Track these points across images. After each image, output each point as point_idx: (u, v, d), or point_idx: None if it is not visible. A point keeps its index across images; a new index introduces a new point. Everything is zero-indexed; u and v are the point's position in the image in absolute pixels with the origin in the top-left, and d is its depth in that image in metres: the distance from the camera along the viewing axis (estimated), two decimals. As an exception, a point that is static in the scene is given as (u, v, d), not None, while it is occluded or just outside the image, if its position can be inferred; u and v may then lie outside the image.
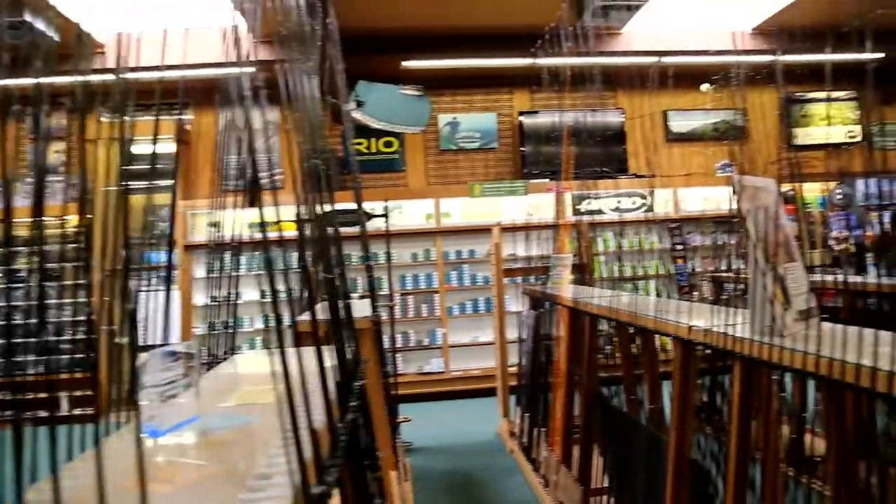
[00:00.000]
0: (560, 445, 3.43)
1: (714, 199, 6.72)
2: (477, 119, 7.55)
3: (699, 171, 7.11)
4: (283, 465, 0.79)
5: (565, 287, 3.39)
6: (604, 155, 6.95)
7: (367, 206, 5.71)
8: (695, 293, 6.58)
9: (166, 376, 1.18)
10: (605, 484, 2.97)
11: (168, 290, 1.49)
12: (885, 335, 1.29)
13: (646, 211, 6.93)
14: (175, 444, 1.06)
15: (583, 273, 4.67)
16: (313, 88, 1.72)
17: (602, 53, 6.23)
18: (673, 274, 6.76)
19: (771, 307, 1.59)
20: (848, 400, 1.50)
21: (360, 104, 6.56)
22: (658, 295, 6.53)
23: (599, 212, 6.54)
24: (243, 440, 1.05)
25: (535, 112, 7.34)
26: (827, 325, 1.66)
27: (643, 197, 6.94)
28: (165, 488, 0.80)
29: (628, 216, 6.58)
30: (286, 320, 0.90)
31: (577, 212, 6.56)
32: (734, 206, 1.73)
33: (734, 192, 1.69)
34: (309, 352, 1.04)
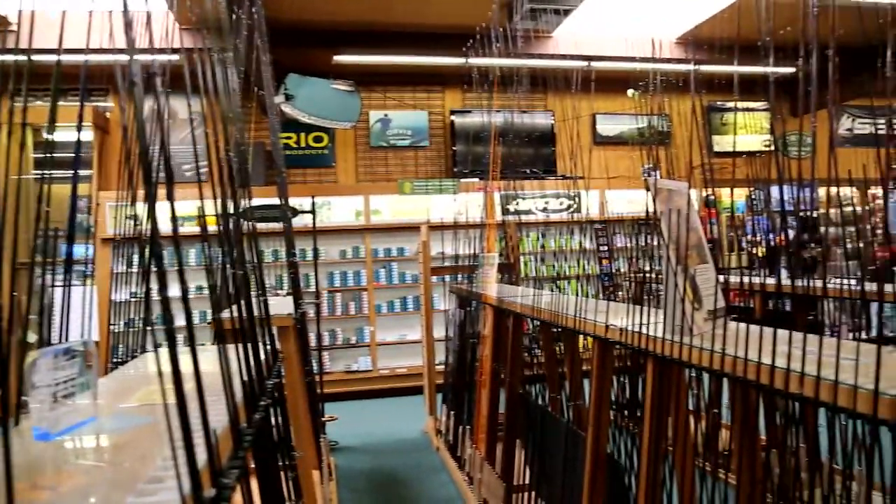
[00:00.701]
0: (484, 443, 3.45)
1: (638, 201, 6.91)
2: (408, 117, 7.53)
3: (625, 174, 7.30)
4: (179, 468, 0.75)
5: (491, 286, 3.41)
6: (533, 156, 7.06)
7: (296, 201, 5.61)
8: (619, 293, 6.75)
9: (59, 376, 1.11)
10: (529, 480, 3.00)
11: (68, 284, 1.41)
12: (783, 333, 1.35)
13: (573, 212, 7.06)
14: (65, 448, 1.00)
15: (510, 272, 4.72)
16: (231, 79, 1.66)
17: (532, 56, 6.33)
18: (598, 274, 6.92)
19: (682, 307, 1.64)
20: (751, 394, 1.56)
21: (289, 97, 6.43)
22: (585, 295, 6.67)
23: (528, 212, 6.63)
24: (139, 442, 1.00)
25: (468, 111, 7.38)
26: (734, 325, 1.73)
27: (571, 198, 7.07)
28: (45, 495, 0.75)
29: (556, 217, 6.70)
30: (203, 317, 0.86)
31: (506, 211, 6.64)
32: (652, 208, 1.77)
33: (649, 194, 1.73)
34: (216, 349, 1.00)
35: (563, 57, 6.48)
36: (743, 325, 1.61)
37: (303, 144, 7.24)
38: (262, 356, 1.41)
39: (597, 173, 7.51)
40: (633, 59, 6.21)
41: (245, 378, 1.13)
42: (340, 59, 6.54)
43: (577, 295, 2.53)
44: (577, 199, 7.12)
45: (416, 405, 5.70)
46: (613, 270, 7.06)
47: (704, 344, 1.48)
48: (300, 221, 5.48)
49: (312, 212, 4.87)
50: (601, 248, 7.09)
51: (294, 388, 2.95)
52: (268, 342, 1.62)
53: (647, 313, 1.93)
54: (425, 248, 5.01)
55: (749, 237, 6.65)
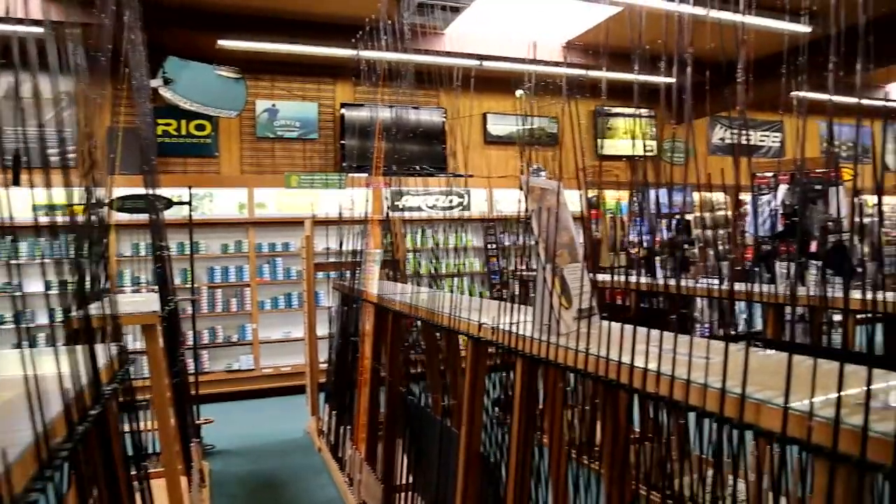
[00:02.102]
0: (365, 443, 3.38)
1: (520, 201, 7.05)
2: (297, 108, 7.31)
3: (514, 173, 7.43)
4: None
5: (373, 283, 3.34)
6: (423, 153, 7.05)
7: (175, 192, 5.30)
8: (505, 291, 6.86)
9: None
10: (409, 480, 2.96)
11: None
12: (646, 333, 1.36)
13: (462, 210, 7.11)
14: None
15: (395, 269, 4.67)
16: (82, 58, 1.51)
17: (423, 52, 6.30)
18: (486, 272, 7.00)
19: (551, 306, 1.64)
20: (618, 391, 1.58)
21: (168, 81, 6.07)
22: (472, 293, 6.73)
23: (417, 209, 6.60)
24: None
25: (359, 105, 7.26)
26: (605, 324, 1.75)
27: (461, 196, 7.12)
28: None
29: (445, 214, 6.71)
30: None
31: (395, 208, 6.58)
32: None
33: (521, 192, 1.73)
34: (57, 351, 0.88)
35: (455, 55, 6.49)
36: (614, 325, 1.64)
37: (184, 132, 6.87)
38: (104, 358, 1.28)
39: (486, 172, 7.60)
40: (522, 61, 6.33)
41: (74, 383, 1.01)
42: (225, 44, 6.24)
43: (462, 293, 2.51)
44: (466, 197, 7.19)
45: (299, 405, 5.54)
46: (501, 268, 7.18)
47: (570, 343, 1.48)
48: (178, 213, 5.19)
49: (189, 203, 4.61)
50: (490, 246, 7.19)
51: (159, 391, 2.76)
52: (115, 342, 1.48)
53: (522, 311, 1.93)
54: (308, 244, 4.86)
55: (631, 238, 6.94)
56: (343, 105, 7.27)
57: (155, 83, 5.94)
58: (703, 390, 1.08)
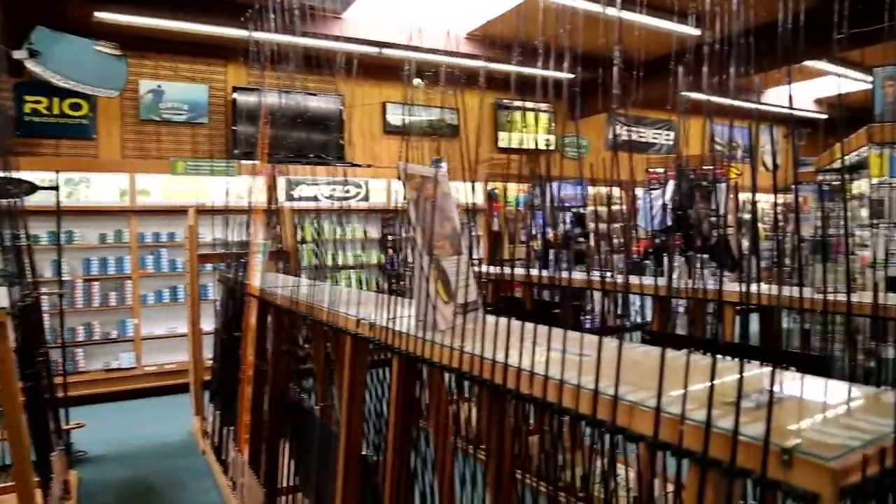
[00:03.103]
0: (248, 445, 3.19)
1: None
2: (186, 89, 6.88)
3: (414, 164, 7.31)
4: None
5: (256, 275, 3.15)
6: (319, 141, 6.83)
7: (43, 176, 4.86)
8: (402, 283, 6.77)
9: None
10: (294, 483, 2.81)
11: None
12: (538, 329, 1.29)
13: (360, 200, 6.94)
14: None
15: (287, 261, 4.47)
16: None
17: (321, 36, 6.08)
18: (384, 264, 6.87)
19: (429, 300, 1.54)
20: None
21: (34, 53, 5.54)
22: (367, 286, 6.58)
23: (314, 199, 6.38)
24: None
25: (253, 89, 6.91)
26: (490, 319, 1.67)
27: (358, 186, 6.95)
28: None
29: (343, 204, 6.52)
30: None
31: (290, 197, 6.33)
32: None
33: (400, 180, 1.62)
34: None
35: (355, 41, 6.30)
36: (500, 320, 1.56)
37: (56, 111, 6.31)
38: None
39: (386, 162, 7.47)
40: (423, 50, 6.22)
41: None
42: (103, 16, 5.77)
43: (361, 286, 2.40)
44: (364, 187, 7.03)
45: (184, 405, 5.23)
46: (400, 260, 7.07)
47: (446, 340, 1.39)
48: (48, 199, 4.74)
49: (56, 188, 4.21)
50: (387, 238, 7.06)
51: (9, 395, 2.48)
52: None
53: (408, 305, 1.83)
54: (192, 233, 4.57)
55: (529, 231, 7.00)
56: (235, 89, 6.91)
57: (19, 55, 5.42)
58: (577, 392, 1.01)
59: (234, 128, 6.83)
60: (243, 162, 6.44)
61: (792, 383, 0.99)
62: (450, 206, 1.82)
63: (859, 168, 4.52)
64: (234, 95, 6.87)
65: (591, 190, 8.44)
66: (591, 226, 6.90)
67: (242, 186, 4.32)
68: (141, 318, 6.16)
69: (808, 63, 7.99)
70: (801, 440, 0.72)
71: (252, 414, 3.10)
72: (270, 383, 2.89)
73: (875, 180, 4.13)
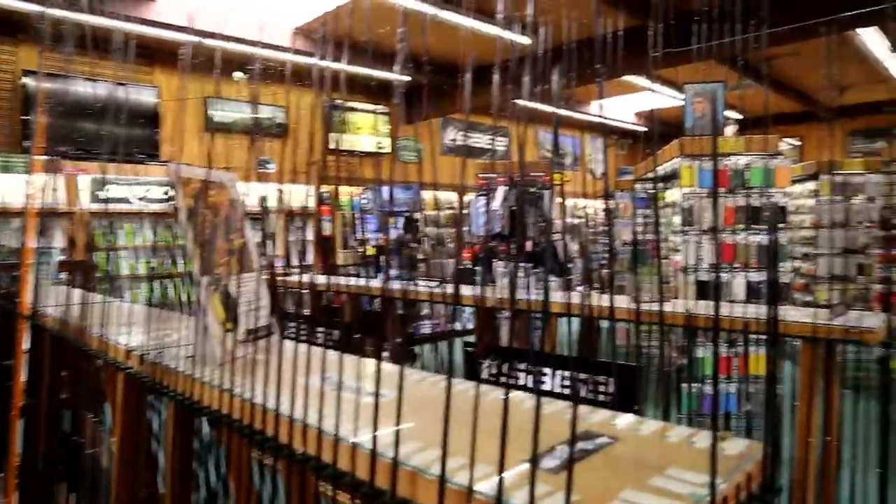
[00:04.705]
0: (17, 491, 2.71)
1: (255, 195, 6.54)
2: (-36, 71, 5.94)
3: (239, 164, 6.86)
4: None
5: (29, 291, 2.68)
6: (132, 136, 6.18)
7: None
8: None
9: None
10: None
11: None
12: (334, 359, 1.09)
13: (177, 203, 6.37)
14: None
15: (84, 272, 3.94)
16: None
17: (132, 19, 5.49)
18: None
19: (206, 328, 1.29)
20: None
21: None
22: (188, 299, 6.04)
23: (124, 200, 5.74)
24: None
25: (54, 75, 6.12)
26: (287, 345, 1.45)
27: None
28: None
29: (157, 207, 5.93)
30: None
31: (95, 199, 5.65)
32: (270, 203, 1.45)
33: (172, 186, 1.35)
34: None
35: (174, 28, 5.75)
36: (297, 347, 1.34)
37: None
38: None
39: (207, 161, 6.93)
40: (249, 42, 5.82)
41: None
42: None
43: (164, 300, 2.08)
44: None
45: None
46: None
47: (218, 378, 1.16)
48: None
49: None
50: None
51: None
52: None
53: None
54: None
55: (361, 236, 6.79)
56: (26, 73, 6.06)
57: None
58: (353, 451, 0.82)
59: (25, 117, 5.97)
60: (38, 157, 5.65)
61: (604, 423, 0.86)
62: (237, 216, 1.58)
63: (673, 178, 4.79)
64: (25, 80, 6.01)
65: (424, 194, 8.41)
66: (425, 230, 6.85)
67: (38, 185, 3.74)
68: None
69: (628, 78, 8.50)
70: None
71: (23, 455, 2.64)
72: (44, 418, 2.46)
73: (686, 190, 4.38)
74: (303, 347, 1.42)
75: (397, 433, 0.76)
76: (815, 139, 12.78)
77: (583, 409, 0.89)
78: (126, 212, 5.75)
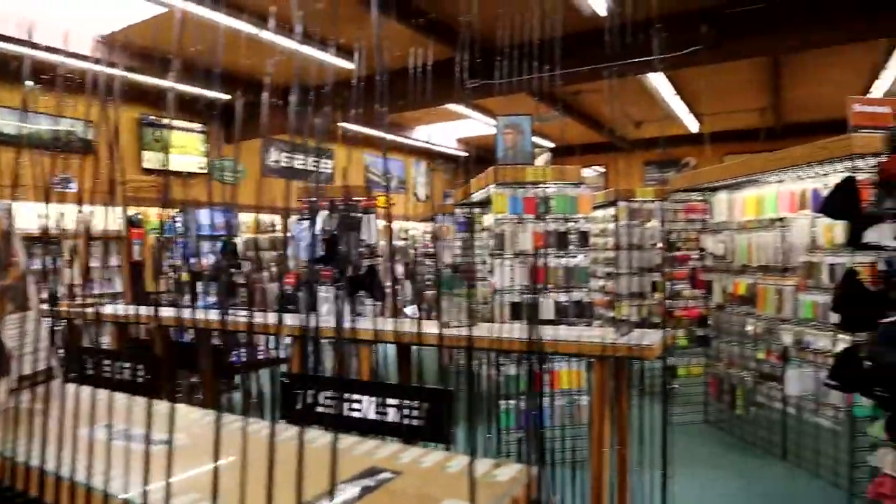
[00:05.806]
0: None
1: (51, 216, 5.93)
2: None
3: (30, 182, 6.19)
4: None
5: None
6: None
7: None
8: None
9: None
10: None
11: None
12: (138, 401, 1.00)
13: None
14: None
15: None
16: None
17: None
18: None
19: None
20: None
21: None
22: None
23: None
24: None
25: None
26: (70, 389, 1.32)
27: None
28: None
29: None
30: None
31: None
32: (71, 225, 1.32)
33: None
34: None
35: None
36: (83, 393, 1.23)
37: None
38: None
39: (-6, 179, 6.19)
40: (41, 48, 5.30)
41: None
42: None
43: None
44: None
45: None
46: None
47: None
48: None
49: None
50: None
51: None
52: None
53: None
54: None
55: (175, 261, 6.40)
56: None
57: None
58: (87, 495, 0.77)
59: None
60: None
61: (391, 456, 0.88)
62: (13, 249, 1.43)
63: (488, 203, 5.03)
64: None
65: (245, 217, 8.11)
66: (245, 255, 6.61)
67: None
68: None
69: (450, 106, 8.84)
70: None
71: None
72: None
73: (499, 215, 4.62)
74: (86, 392, 1.31)
75: (168, 486, 0.72)
76: (618, 168, 14.10)
77: (370, 443, 0.90)
78: None
